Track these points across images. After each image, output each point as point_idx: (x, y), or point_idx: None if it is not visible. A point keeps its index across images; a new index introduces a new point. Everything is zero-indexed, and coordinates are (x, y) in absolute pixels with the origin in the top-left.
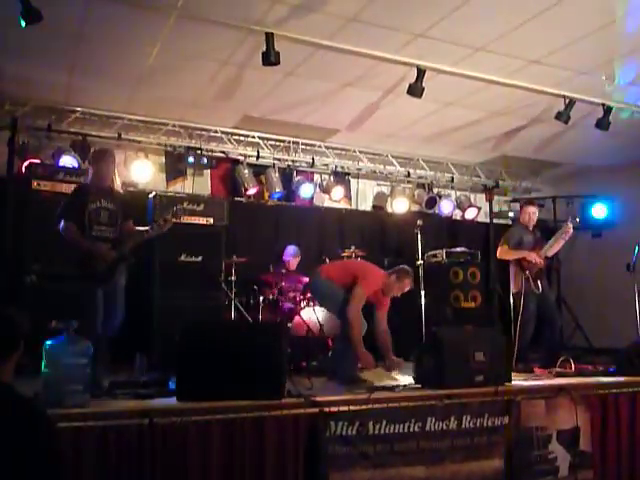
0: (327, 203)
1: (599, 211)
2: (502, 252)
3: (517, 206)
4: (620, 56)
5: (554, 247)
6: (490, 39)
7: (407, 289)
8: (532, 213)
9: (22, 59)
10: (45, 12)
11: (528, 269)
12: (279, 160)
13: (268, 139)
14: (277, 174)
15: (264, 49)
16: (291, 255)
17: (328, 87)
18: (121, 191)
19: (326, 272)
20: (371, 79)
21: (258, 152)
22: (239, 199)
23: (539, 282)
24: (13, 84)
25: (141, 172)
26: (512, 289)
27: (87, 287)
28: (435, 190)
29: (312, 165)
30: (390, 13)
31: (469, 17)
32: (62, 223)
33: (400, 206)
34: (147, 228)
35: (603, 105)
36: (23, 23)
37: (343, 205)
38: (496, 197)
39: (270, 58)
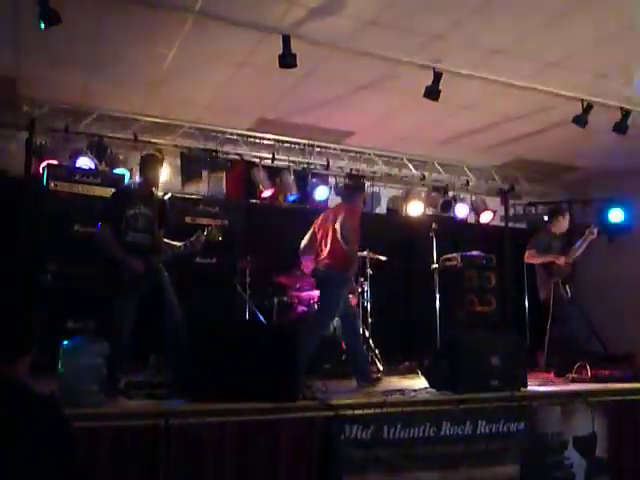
0: None
1: (616, 215)
2: (529, 256)
3: (533, 210)
4: (639, 59)
5: (578, 250)
6: (507, 42)
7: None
8: (564, 221)
9: (40, 61)
10: (63, 14)
11: (558, 274)
12: (294, 162)
13: (283, 141)
14: (292, 176)
15: (281, 51)
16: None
17: (344, 90)
18: (160, 195)
19: (328, 260)
20: (387, 82)
21: (273, 154)
22: (254, 201)
23: (567, 287)
24: (31, 86)
25: None
26: (541, 296)
27: (112, 295)
28: (450, 193)
29: (327, 168)
30: (407, 16)
31: (486, 20)
32: (99, 226)
33: (415, 209)
34: (181, 244)
35: (621, 109)
36: (42, 25)
37: None
38: (512, 201)
39: (287, 60)
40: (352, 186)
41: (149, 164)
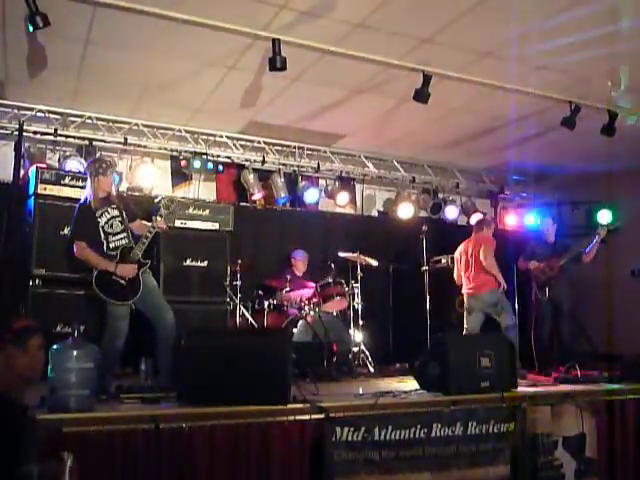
0: (332, 208)
1: (604, 217)
2: (519, 264)
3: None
4: (626, 62)
5: (591, 253)
6: (496, 45)
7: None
8: (549, 226)
9: (29, 64)
10: (52, 17)
11: (534, 278)
12: (284, 165)
13: (273, 144)
14: (282, 179)
15: (271, 55)
16: (300, 258)
17: (334, 93)
18: (116, 193)
19: (488, 283)
20: (377, 85)
21: (264, 157)
22: (245, 204)
23: (546, 289)
24: (19, 89)
25: (147, 177)
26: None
27: (107, 302)
28: (440, 196)
29: (317, 170)
30: (396, 19)
31: (475, 23)
32: (75, 245)
33: (405, 211)
34: (150, 224)
35: (609, 111)
36: (31, 28)
37: (348, 210)
38: (501, 203)
39: (277, 64)
40: (479, 221)
41: (99, 169)
